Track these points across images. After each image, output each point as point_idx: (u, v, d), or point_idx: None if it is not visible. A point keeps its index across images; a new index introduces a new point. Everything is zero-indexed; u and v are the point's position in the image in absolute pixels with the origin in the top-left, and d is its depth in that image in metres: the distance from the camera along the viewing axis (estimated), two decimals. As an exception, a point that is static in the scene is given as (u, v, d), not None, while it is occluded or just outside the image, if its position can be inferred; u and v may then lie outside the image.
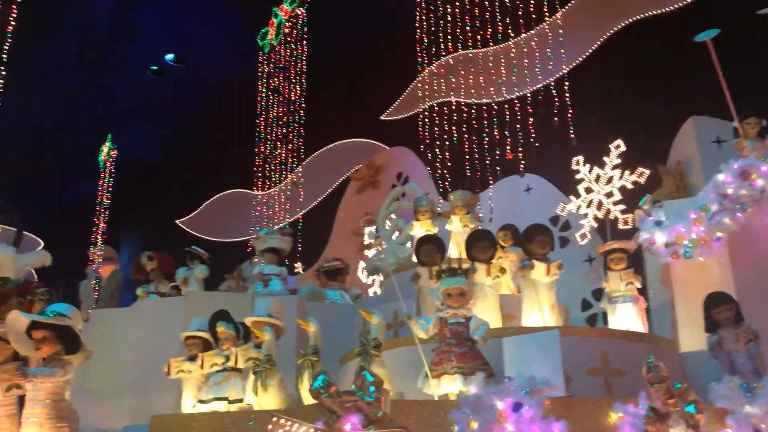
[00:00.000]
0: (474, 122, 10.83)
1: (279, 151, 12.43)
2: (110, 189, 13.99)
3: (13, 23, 8.92)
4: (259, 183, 12.62)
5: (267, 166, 12.50)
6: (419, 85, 12.32)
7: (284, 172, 12.70)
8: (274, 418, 3.45)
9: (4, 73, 8.86)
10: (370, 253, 13.33)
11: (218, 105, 14.58)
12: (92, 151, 14.39)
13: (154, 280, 9.60)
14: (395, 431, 3.54)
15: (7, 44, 8.90)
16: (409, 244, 8.28)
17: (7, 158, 10.60)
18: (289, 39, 12.63)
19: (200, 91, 14.92)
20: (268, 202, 13.16)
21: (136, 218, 16.82)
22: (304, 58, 12.42)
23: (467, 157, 10.52)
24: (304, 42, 12.47)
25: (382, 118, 14.14)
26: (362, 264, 13.43)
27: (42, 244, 17.34)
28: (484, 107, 10.95)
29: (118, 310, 8.95)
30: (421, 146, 11.11)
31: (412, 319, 5.34)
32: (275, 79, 12.56)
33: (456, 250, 7.60)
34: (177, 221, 16.27)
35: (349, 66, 13.57)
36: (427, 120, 11.15)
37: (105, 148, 14.30)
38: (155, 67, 15.02)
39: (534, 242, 6.39)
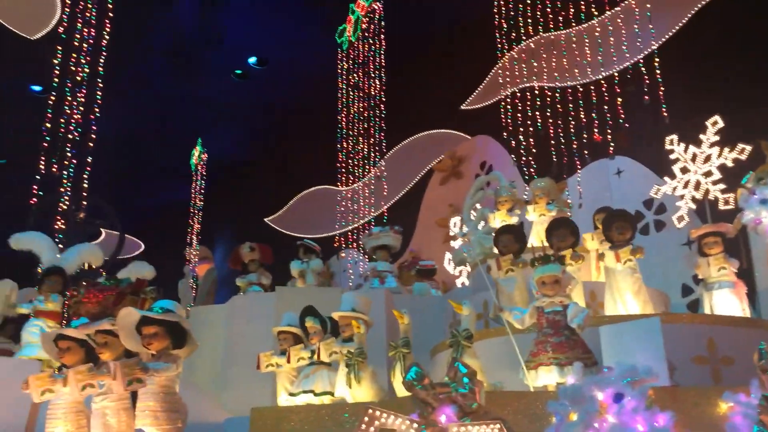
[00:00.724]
0: (559, 106, 10.49)
1: (361, 145, 12.51)
2: (202, 191, 14.51)
3: (106, 37, 9.41)
4: (343, 178, 12.75)
5: (350, 161, 12.61)
6: (500, 71, 12.08)
7: (367, 167, 12.78)
8: (370, 410, 3.45)
9: (101, 84, 9.36)
10: (455, 244, 13.26)
11: (301, 103, 14.82)
12: (184, 156, 14.96)
13: (253, 271, 9.66)
14: (491, 423, 3.46)
15: (102, 57, 9.40)
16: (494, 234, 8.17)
17: (107, 166, 11.19)
18: (366, 34, 12.67)
19: (283, 91, 15.22)
20: (352, 197, 13.29)
21: (228, 218, 17.41)
22: (382, 51, 12.43)
23: (553, 142, 10.22)
24: (382, 36, 12.48)
25: (462, 107, 13.99)
26: (448, 255, 13.37)
27: (142, 246, 18.27)
28: (569, 90, 10.60)
29: (215, 307, 9.28)
30: (504, 134, 10.88)
31: (505, 310, 5.25)
32: (355, 75, 12.64)
33: (535, 239, 7.44)
34: (266, 219, 16.72)
35: (428, 57, 13.48)
36: (509, 107, 10.91)
37: (196, 152, 14.86)
38: (239, 71, 15.44)
39: (612, 229, 6.19)
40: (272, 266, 9.95)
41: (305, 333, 5.99)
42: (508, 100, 11.08)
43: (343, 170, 12.71)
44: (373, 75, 12.46)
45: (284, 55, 14.71)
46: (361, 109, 12.52)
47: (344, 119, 12.66)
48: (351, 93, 12.64)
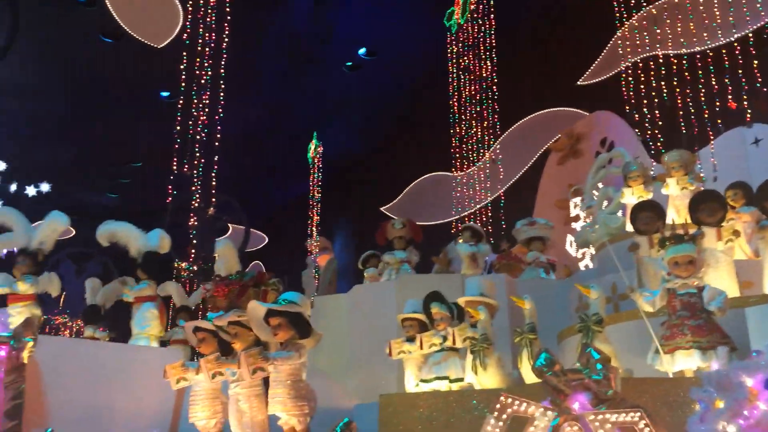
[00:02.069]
0: (686, 73, 9.79)
1: (475, 129, 12.31)
2: (320, 183, 14.87)
3: (226, 41, 9.86)
4: (458, 164, 12.60)
5: (464, 146, 12.44)
6: (619, 42, 11.47)
7: (482, 151, 12.57)
8: (502, 397, 3.39)
9: (223, 86, 9.82)
10: (577, 225, 12.83)
11: (412, 91, 14.82)
12: (301, 150, 15.38)
13: (400, 248, 9.15)
14: (631, 411, 3.29)
15: (223, 60, 9.85)
16: (620, 213, 7.80)
17: (232, 164, 11.75)
18: (475, 15, 12.42)
19: (394, 80, 15.30)
20: (468, 182, 13.14)
21: (345, 209, 17.80)
22: (492, 32, 12.14)
23: (681, 112, 9.56)
24: (491, 15, 12.19)
25: (579, 83, 13.45)
26: (570, 237, 12.96)
27: (266, 239, 19.09)
28: (698, 56, 9.85)
29: (338, 296, 9.49)
30: (626, 107, 10.31)
31: (636, 291, 4.99)
32: (465, 58, 12.43)
33: (675, 215, 7.00)
34: (381, 208, 16.93)
35: (540, 33, 13.05)
36: (630, 78, 10.31)
37: (312, 146, 15.23)
38: (350, 63, 15.66)
39: (771, 200, 5.69)
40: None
41: (429, 319, 5.99)
42: (630, 71, 10.48)
43: (458, 155, 12.55)
44: (483, 57, 12.19)
45: (393, 44, 14.76)
46: (474, 92, 12.30)
47: (456, 104, 12.49)
48: (462, 77, 12.44)
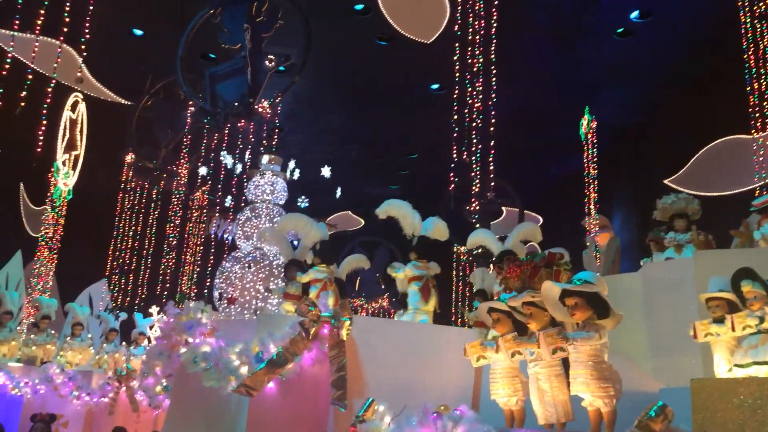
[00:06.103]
0: None
1: (778, 83, 10.68)
2: (595, 159, 14.27)
3: (494, 24, 9.94)
4: (758, 125, 11.06)
5: (765, 103, 10.86)
6: None
7: (789, 107, 10.88)
8: None
9: (494, 71, 9.94)
10: None
11: (693, 50, 13.48)
12: (573, 126, 14.89)
13: None
14: None
15: (493, 45, 9.96)
16: None
17: (504, 146, 11.85)
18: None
19: (671, 41, 14.06)
20: (772, 143, 11.49)
21: (623, 184, 16.88)
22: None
23: None
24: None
25: None
26: None
27: (541, 220, 18.94)
28: None
29: (625, 276, 9.03)
30: None
31: None
32: (762, 4, 10.80)
33: None
34: (666, 181, 15.68)
35: None
36: None
37: (584, 121, 14.65)
38: (621, 29, 14.75)
39: None
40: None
41: (740, 299, 5.45)
42: None
43: (758, 114, 11.00)
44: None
45: (668, 1, 13.53)
46: (775, 40, 10.66)
47: (752, 57, 10.93)
48: (759, 25, 10.85)
